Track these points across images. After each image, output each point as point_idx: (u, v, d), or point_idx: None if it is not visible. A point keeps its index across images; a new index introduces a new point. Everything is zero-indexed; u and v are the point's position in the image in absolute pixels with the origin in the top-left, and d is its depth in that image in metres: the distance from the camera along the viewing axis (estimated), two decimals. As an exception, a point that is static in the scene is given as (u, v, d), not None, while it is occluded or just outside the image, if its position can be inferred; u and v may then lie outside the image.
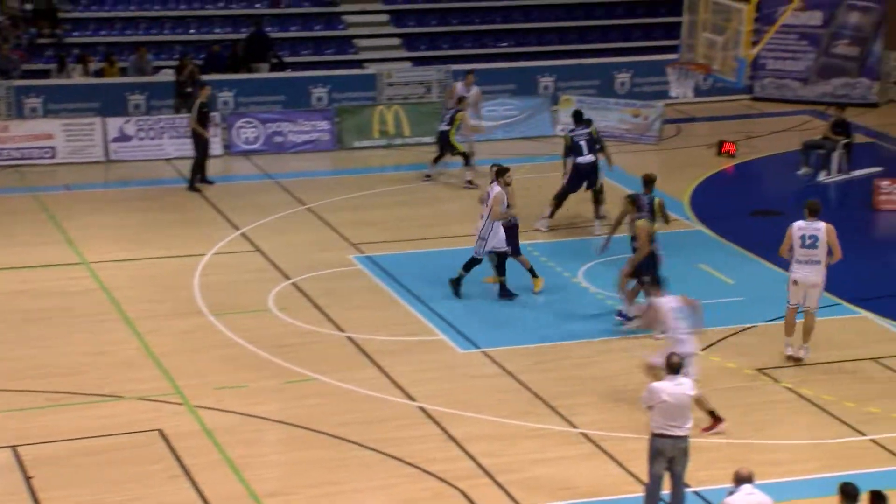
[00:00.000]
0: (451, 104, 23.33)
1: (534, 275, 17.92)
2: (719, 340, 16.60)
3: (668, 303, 14.22)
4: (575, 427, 14.35)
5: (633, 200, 17.07)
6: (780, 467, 13.52)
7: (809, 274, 15.72)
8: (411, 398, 15.01)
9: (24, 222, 21.18)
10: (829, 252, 15.72)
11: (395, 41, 29.30)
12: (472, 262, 17.69)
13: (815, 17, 28.92)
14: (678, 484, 12.16)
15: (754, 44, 21.04)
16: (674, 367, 12.00)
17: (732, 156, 24.84)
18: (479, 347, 16.41)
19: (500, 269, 17.66)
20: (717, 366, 15.90)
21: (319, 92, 26.92)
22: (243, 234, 20.48)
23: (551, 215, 20.58)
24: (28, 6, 27.99)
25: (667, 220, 17.75)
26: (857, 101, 28.41)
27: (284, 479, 13.27)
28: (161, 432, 14.07)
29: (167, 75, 26.50)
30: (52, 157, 24.28)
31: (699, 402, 13.55)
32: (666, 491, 12.19)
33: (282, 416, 14.51)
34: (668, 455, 11.97)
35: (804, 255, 15.70)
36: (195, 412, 14.57)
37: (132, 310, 17.45)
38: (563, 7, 30.58)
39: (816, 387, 15.34)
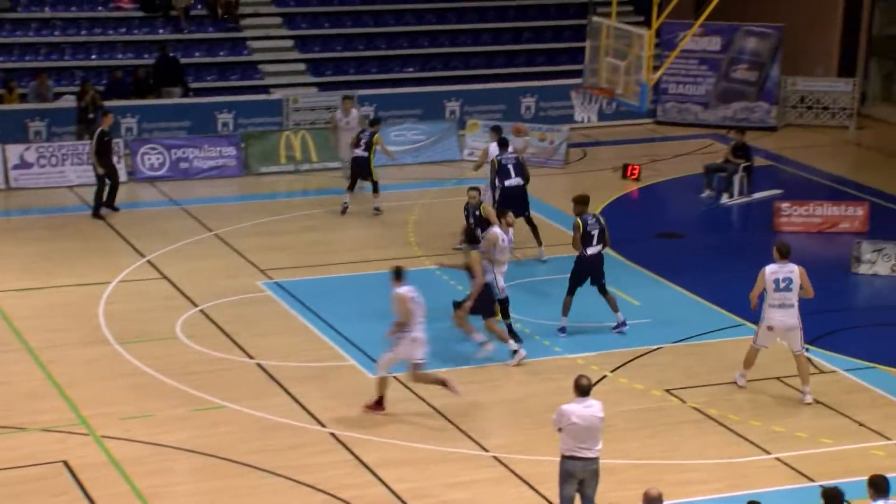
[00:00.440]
0: (336, 131, 23.25)
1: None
2: (627, 362, 16.78)
3: (409, 293, 14.74)
4: (486, 450, 14.39)
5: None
6: (689, 487, 13.69)
7: (785, 318, 15.39)
8: (322, 424, 14.94)
9: (-78, 251, 20.74)
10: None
11: (301, 66, 29.26)
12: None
13: (714, 43, 29.50)
14: (589, 505, 12.24)
15: (656, 69, 21.38)
16: (583, 389, 12.09)
17: (637, 179, 25.19)
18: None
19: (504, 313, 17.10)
20: (625, 387, 16.07)
21: (225, 117, 26.78)
22: (149, 262, 20.25)
23: None
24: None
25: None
26: (757, 124, 28.99)
27: (194, 508, 13.13)
28: (66, 464, 13.83)
29: (68, 101, 26.16)
30: (-49, 184, 23.85)
31: (419, 377, 14.79)
32: (578, 512, 12.27)
33: (191, 444, 14.35)
34: (578, 477, 12.05)
35: (778, 298, 15.29)
36: (101, 442, 14.35)
37: (35, 339, 17.15)
38: (469, 32, 30.80)
39: (722, 407, 15.57)
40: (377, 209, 22.61)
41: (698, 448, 14.60)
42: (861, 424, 15.12)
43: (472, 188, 18.67)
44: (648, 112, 27.88)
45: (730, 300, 18.71)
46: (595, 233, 17.20)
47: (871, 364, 16.78)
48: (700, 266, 20.62)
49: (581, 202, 17.42)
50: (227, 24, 29.33)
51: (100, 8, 29.07)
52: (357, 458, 14.15)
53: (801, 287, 15.41)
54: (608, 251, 17.84)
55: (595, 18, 21.79)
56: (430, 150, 26.56)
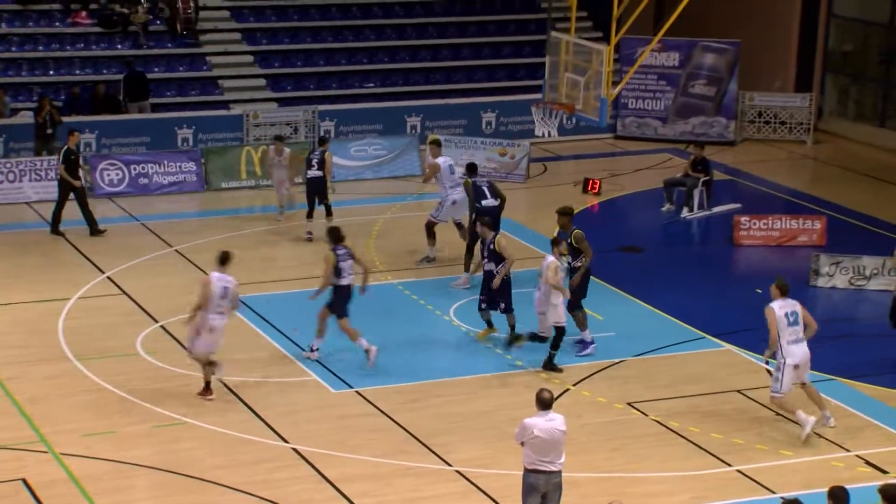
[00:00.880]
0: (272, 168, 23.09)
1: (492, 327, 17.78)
2: (590, 375, 16.83)
3: (217, 281, 15.35)
4: (449, 465, 14.38)
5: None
6: (653, 499, 13.74)
7: (804, 351, 15.00)
8: (284, 440, 14.88)
9: None
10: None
11: (261, 82, 29.20)
12: (556, 338, 16.94)
13: (672, 58, 29.71)
14: (553, 518, 12.24)
15: (615, 84, 21.51)
16: (545, 402, 12.09)
17: (597, 193, 25.30)
18: (351, 387, 16.36)
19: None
20: (588, 400, 16.11)
21: (185, 133, 26.68)
22: (109, 278, 20.12)
23: (467, 269, 19.88)
24: None
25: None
26: (715, 139, 29.20)
27: (156, 525, 13.04)
28: (25, 481, 13.69)
29: (25, 117, 25.97)
30: None
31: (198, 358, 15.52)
32: (541, 526, 12.27)
33: (153, 461, 14.25)
34: (541, 490, 12.05)
35: (793, 333, 14.91)
36: (61, 460, 14.22)
37: (-6, 356, 17.00)
38: (430, 48, 30.87)
39: (684, 419, 15.64)
40: (309, 234, 22.08)
41: (661, 460, 14.66)
42: (820, 436, 15.23)
43: (480, 217, 18.54)
44: (608, 127, 28.02)
45: (690, 313, 18.82)
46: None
47: (831, 376, 16.90)
48: (661, 279, 20.72)
49: (565, 214, 17.82)
50: (187, 39, 29.24)
51: (57, 24, 28.91)
52: (319, 472, 14.09)
53: (806, 326, 15.07)
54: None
55: (554, 34, 21.89)
56: (391, 165, 26.56)
